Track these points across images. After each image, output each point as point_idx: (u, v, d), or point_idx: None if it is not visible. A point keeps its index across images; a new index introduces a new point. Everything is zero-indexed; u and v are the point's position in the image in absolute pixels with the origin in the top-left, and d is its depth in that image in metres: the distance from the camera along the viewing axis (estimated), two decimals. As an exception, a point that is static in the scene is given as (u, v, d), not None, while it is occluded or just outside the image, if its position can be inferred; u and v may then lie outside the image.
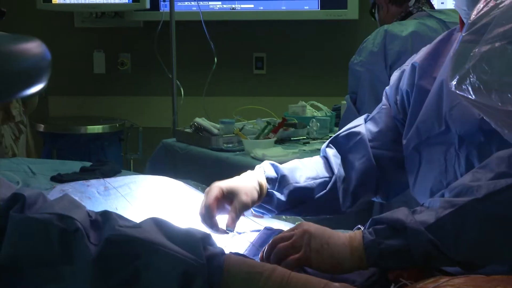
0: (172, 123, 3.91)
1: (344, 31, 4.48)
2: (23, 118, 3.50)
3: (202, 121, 3.23)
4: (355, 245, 1.26)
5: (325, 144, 1.75)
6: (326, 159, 1.71)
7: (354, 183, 1.66)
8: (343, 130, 1.74)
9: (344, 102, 3.09)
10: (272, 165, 1.64)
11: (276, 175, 1.62)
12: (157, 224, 1.12)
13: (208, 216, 1.49)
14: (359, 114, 2.88)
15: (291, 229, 1.33)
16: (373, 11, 3.15)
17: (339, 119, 3.33)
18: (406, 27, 2.86)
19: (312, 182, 1.64)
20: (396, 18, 3.02)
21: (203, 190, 1.95)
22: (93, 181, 1.85)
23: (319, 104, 3.57)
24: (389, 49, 2.82)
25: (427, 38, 1.77)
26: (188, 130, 3.28)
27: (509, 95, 0.98)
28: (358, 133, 1.70)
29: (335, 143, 1.73)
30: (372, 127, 1.70)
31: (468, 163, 1.45)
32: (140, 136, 4.45)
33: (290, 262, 1.26)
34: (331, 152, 1.70)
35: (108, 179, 1.88)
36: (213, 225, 1.49)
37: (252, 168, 2.83)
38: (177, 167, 3.18)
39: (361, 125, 1.72)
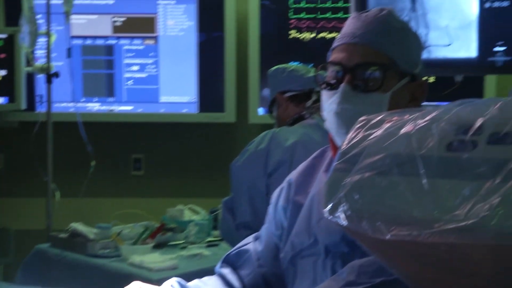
0: (46, 227, 3.80)
1: (222, 134, 4.56)
2: None
3: (78, 226, 3.16)
4: None
5: (218, 264, 1.81)
6: (223, 277, 1.77)
7: None
8: (234, 249, 1.81)
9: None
10: (179, 283, 1.67)
11: None
12: None
13: None
14: (235, 216, 2.89)
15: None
16: (271, 107, 3.10)
17: (217, 222, 3.35)
18: (292, 135, 2.81)
19: None
20: (290, 119, 2.97)
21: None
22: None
23: (197, 208, 3.58)
24: (270, 157, 2.77)
25: (309, 150, 1.83)
26: (63, 235, 3.20)
27: (378, 224, 1.03)
28: (246, 251, 1.78)
29: (228, 261, 1.80)
30: (258, 246, 1.78)
31: (333, 273, 1.49)
32: (10, 240, 4.29)
33: None
34: (226, 271, 1.77)
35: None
36: None
37: (129, 275, 2.79)
38: (51, 274, 3.07)
39: (249, 243, 1.80)
